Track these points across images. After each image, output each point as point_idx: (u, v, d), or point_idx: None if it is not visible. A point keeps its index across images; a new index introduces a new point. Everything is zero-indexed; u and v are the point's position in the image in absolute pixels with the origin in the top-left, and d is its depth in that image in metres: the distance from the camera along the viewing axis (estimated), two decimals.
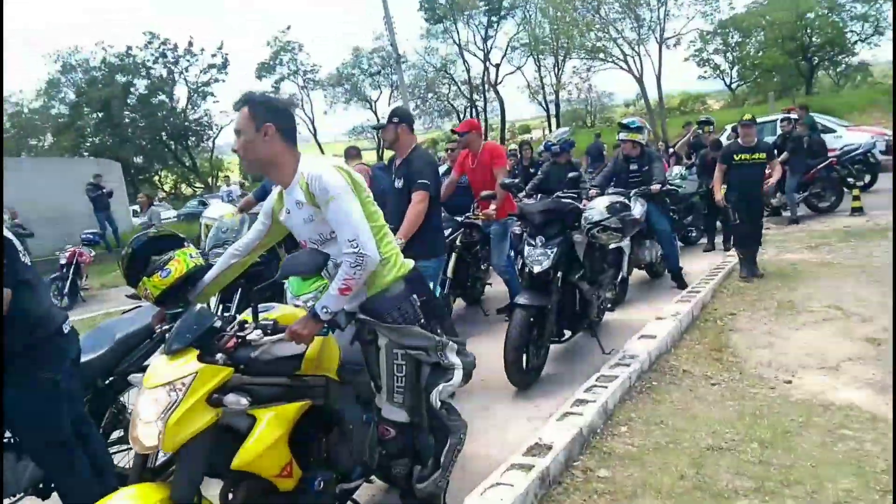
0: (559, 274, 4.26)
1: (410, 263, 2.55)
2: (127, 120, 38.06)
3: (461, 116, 45.46)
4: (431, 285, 4.05)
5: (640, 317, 5.53)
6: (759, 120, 15.68)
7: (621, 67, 23.20)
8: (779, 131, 13.79)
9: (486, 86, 42.86)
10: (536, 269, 4.16)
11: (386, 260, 2.42)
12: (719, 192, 6.82)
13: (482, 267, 6.34)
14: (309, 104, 42.52)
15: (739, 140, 6.72)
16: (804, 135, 10.62)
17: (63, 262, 10.64)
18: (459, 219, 5.84)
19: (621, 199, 4.43)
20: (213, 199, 19.81)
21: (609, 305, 5.40)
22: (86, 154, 36.70)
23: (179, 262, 2.40)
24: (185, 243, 2.49)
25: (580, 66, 33.64)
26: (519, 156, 10.50)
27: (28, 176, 15.89)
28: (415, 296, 2.46)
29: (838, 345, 4.45)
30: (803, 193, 10.37)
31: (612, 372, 4.07)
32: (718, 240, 8.73)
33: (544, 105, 44.01)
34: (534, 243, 4.23)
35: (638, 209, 6.47)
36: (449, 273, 5.52)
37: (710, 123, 10.95)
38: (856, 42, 36.79)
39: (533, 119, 54.43)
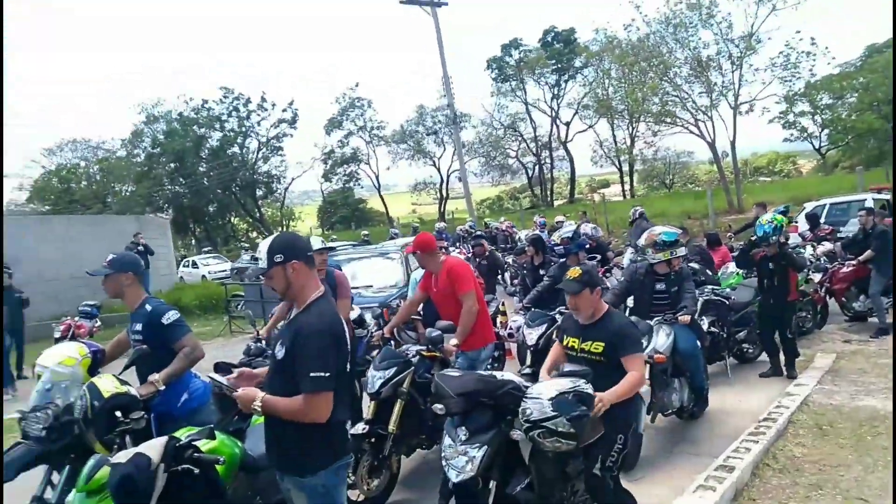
0: (492, 484, 2.92)
1: None
2: (202, 169, 39.28)
3: (529, 173, 44.42)
4: None
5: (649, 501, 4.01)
6: (845, 199, 13.83)
7: (691, 132, 21.42)
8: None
9: (556, 143, 41.77)
10: (455, 477, 2.84)
11: None
12: None
13: None
14: (375, 159, 42.81)
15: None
16: (889, 227, 8.82)
17: (57, 335, 9.99)
18: (413, 350, 4.56)
19: (580, 383, 2.95)
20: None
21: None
22: (161, 203, 37.96)
23: None
24: None
25: (646, 130, 31.93)
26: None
27: (60, 234, 15.79)
28: None
29: None
30: (892, 298, 8.48)
31: None
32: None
33: (617, 165, 42.35)
34: (454, 438, 2.92)
35: (662, 341, 5.08)
36: (392, 427, 4.25)
37: (785, 213, 9.30)
38: None
39: (610, 174, 52.20)
